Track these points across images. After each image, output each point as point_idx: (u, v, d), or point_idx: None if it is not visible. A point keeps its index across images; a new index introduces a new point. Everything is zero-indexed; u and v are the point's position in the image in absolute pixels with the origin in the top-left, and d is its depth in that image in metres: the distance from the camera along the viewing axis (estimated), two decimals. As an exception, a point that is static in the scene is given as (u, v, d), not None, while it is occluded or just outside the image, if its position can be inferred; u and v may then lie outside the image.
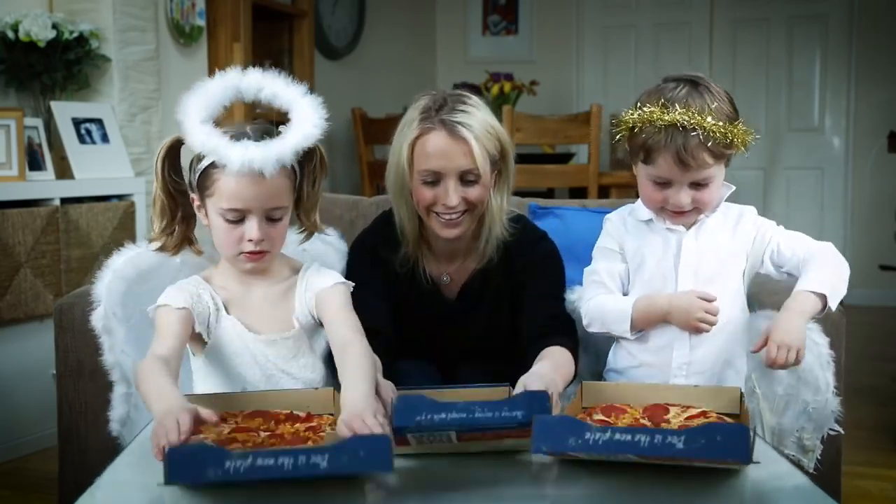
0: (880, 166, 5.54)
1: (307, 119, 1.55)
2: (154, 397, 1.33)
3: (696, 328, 1.61)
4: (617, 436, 1.11)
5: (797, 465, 1.67)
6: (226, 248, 1.59)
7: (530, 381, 1.48)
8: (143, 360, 1.45)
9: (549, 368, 1.60)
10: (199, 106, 1.55)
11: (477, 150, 1.71)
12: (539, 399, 1.28)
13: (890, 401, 3.45)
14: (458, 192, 1.73)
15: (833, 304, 1.58)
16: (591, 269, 1.75)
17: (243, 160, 1.50)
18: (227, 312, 1.61)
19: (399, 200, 1.81)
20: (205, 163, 1.56)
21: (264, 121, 1.65)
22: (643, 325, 1.67)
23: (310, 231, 1.71)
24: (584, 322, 1.74)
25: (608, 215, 1.77)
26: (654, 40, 6.02)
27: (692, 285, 1.65)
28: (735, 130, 1.57)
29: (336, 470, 1.11)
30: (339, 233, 1.96)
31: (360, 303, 1.65)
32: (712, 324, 1.60)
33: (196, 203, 1.62)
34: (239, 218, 1.55)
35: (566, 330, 1.78)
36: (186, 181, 1.63)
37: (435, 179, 1.73)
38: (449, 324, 1.87)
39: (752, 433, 1.12)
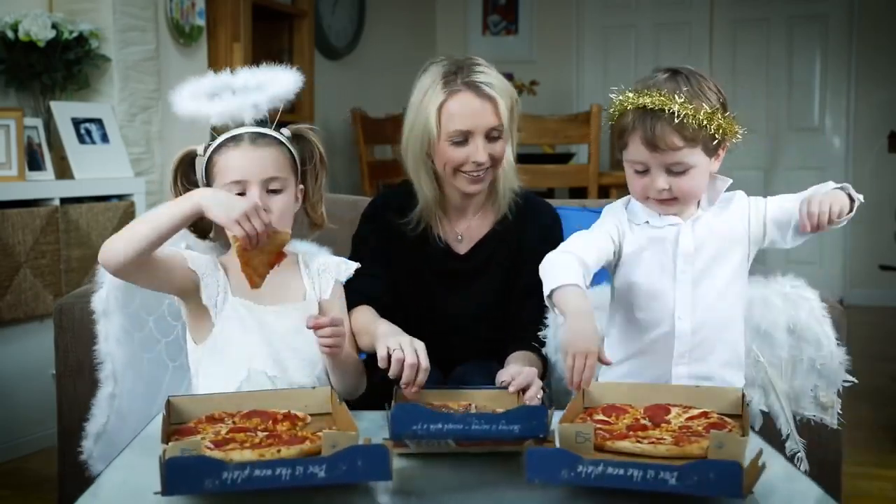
0: (880, 166, 5.54)
1: (284, 77, 1.71)
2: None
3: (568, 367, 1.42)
4: (610, 469, 1.12)
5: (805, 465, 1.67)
6: None
7: (519, 373, 1.60)
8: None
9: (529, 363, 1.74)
10: (189, 88, 1.70)
11: (502, 106, 1.83)
12: (537, 414, 1.27)
13: (890, 401, 3.46)
14: (486, 149, 1.83)
15: (856, 197, 1.57)
16: (579, 232, 1.66)
17: (222, 111, 1.66)
18: (233, 294, 1.65)
19: (418, 165, 1.89)
20: (209, 150, 1.67)
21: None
22: (557, 306, 1.49)
23: (317, 224, 1.81)
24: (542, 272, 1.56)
25: (609, 205, 1.75)
26: (654, 40, 6.02)
27: (689, 275, 1.64)
28: (710, 115, 1.55)
29: (334, 480, 1.13)
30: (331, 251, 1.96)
31: (362, 272, 1.79)
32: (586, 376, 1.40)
33: None
34: (240, 192, 1.63)
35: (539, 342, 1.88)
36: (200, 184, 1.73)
37: (464, 139, 1.82)
38: (459, 284, 1.93)
39: (742, 468, 1.12)
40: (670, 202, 1.62)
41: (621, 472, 1.12)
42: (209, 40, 3.96)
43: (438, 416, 1.26)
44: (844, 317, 1.98)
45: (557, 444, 1.31)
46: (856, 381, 1.80)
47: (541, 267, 1.55)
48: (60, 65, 3.11)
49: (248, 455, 1.24)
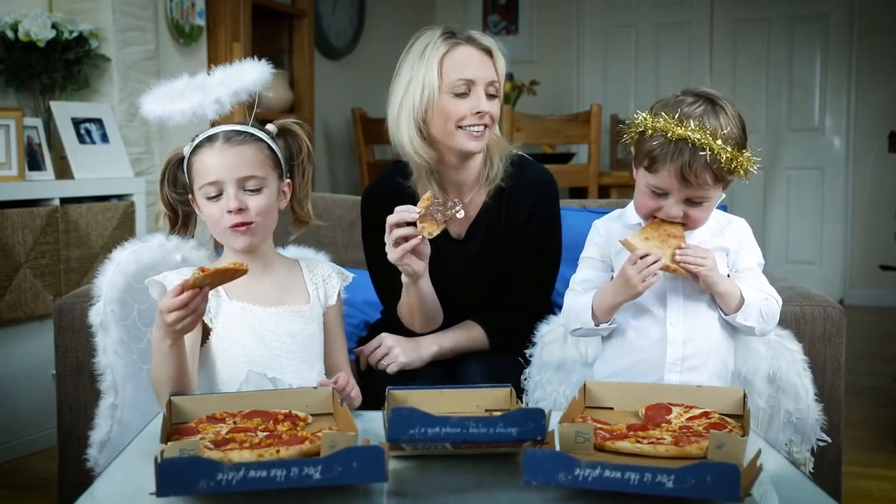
0: (880, 166, 5.54)
1: (249, 69, 1.72)
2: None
3: (644, 287, 1.59)
4: (607, 473, 1.12)
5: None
6: (214, 227, 1.66)
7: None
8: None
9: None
10: (159, 91, 1.70)
11: (500, 64, 1.88)
12: (535, 417, 1.26)
13: (890, 401, 3.45)
14: (486, 101, 1.85)
15: (736, 317, 1.62)
16: (573, 278, 1.77)
17: (185, 109, 1.66)
18: (229, 298, 1.65)
19: (412, 132, 1.89)
20: (187, 150, 1.67)
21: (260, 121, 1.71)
22: (604, 313, 1.66)
23: (303, 221, 1.79)
24: (563, 324, 1.77)
25: (595, 222, 1.78)
26: (654, 40, 6.02)
27: (680, 283, 1.65)
28: (741, 158, 1.59)
29: (329, 481, 1.12)
30: (330, 257, 1.96)
31: (376, 270, 1.90)
32: (653, 272, 1.58)
33: (193, 202, 1.71)
34: (217, 192, 1.63)
35: (515, 327, 1.90)
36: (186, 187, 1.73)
37: (466, 90, 1.84)
38: (458, 264, 1.94)
39: (740, 469, 1.12)
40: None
41: (618, 475, 1.12)
42: (209, 40, 3.96)
43: (436, 419, 1.25)
44: (844, 317, 1.98)
45: (557, 444, 1.31)
46: (829, 440, 1.79)
47: (566, 317, 1.71)
48: (60, 65, 3.11)
49: (247, 455, 1.24)
